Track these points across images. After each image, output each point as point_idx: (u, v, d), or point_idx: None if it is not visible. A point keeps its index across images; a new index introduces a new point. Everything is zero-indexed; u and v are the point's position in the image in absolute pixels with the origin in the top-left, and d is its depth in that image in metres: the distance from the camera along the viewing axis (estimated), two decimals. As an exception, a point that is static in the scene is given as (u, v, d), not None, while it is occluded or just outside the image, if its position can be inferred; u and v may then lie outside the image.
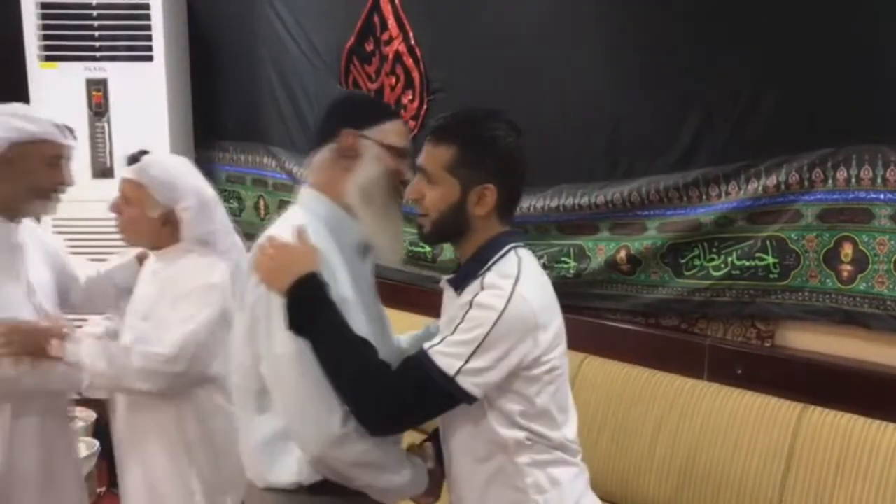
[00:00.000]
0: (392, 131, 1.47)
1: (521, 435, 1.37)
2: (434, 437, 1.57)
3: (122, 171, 1.90)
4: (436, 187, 1.38)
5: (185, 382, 1.84)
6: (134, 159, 1.90)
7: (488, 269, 1.37)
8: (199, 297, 1.82)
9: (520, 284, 1.33)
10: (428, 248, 2.94)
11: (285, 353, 1.35)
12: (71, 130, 1.91)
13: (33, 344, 1.78)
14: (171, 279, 1.87)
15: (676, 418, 2.17)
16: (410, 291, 3.03)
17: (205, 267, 1.85)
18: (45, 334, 1.79)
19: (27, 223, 1.99)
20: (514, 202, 1.46)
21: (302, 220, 1.43)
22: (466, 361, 1.29)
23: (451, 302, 1.44)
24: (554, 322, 1.40)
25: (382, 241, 1.47)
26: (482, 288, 1.33)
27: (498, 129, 1.39)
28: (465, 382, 1.30)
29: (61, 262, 2.10)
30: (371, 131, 1.45)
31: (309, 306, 1.33)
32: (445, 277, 1.48)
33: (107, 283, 2.13)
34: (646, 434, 2.21)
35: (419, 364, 1.32)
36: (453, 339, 1.31)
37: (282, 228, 1.42)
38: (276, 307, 1.35)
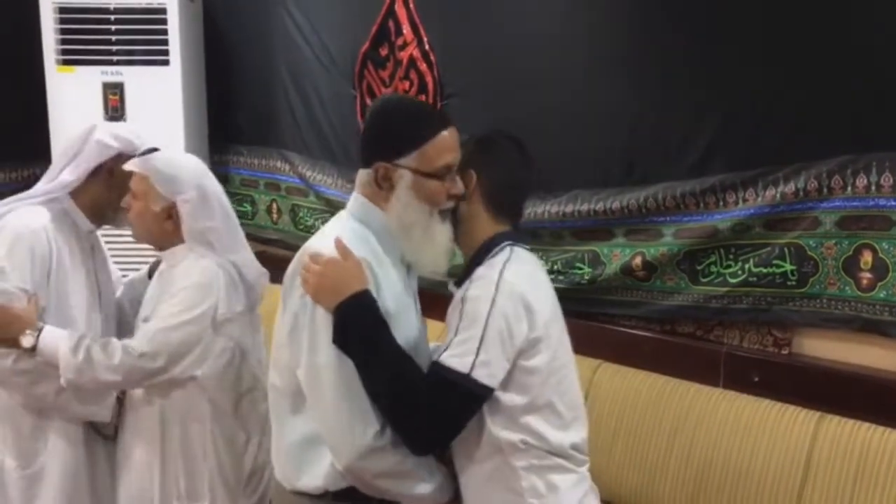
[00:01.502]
0: (432, 153, 1.40)
1: (515, 438, 1.38)
2: None
3: (129, 164, 1.90)
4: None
5: (166, 382, 1.83)
6: (143, 154, 1.92)
7: (481, 264, 1.42)
8: (186, 296, 1.82)
9: (506, 270, 1.37)
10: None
11: (326, 362, 1.35)
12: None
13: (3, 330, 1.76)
14: (170, 280, 1.88)
15: (692, 426, 2.16)
16: (423, 296, 3.02)
17: (199, 268, 1.85)
18: (16, 321, 1.76)
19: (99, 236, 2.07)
20: (503, 197, 1.48)
21: (351, 227, 1.45)
22: (477, 355, 1.32)
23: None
24: (546, 307, 1.43)
25: (422, 261, 1.47)
26: (470, 285, 1.37)
27: (495, 133, 1.47)
28: (481, 376, 1.32)
29: (116, 280, 2.17)
30: (406, 159, 1.40)
31: (357, 325, 1.35)
32: (452, 281, 1.51)
33: (122, 300, 2.15)
34: (661, 442, 2.20)
35: (435, 375, 1.34)
36: (457, 339, 1.34)
37: (329, 238, 1.42)
38: (321, 315, 1.36)
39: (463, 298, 1.35)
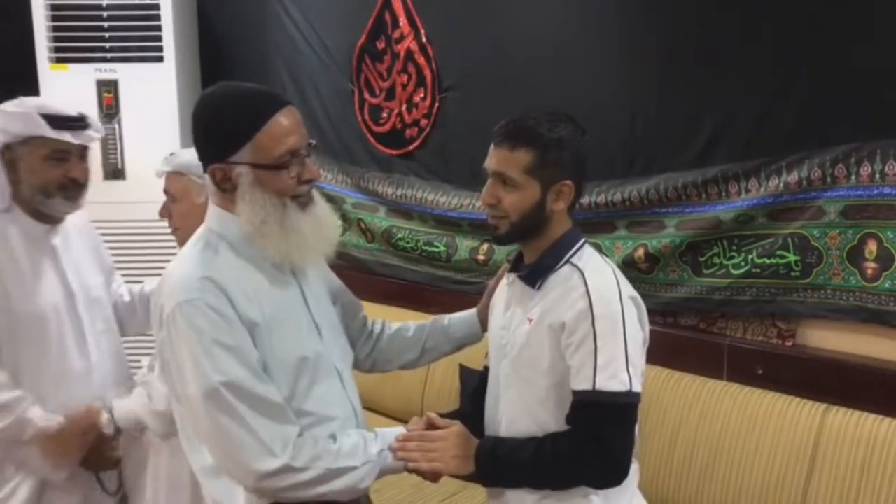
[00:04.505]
0: (267, 141, 1.29)
1: None
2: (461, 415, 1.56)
3: (159, 172, 1.89)
4: (515, 190, 1.39)
5: None
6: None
7: (567, 261, 1.40)
8: None
9: (619, 280, 1.37)
10: (442, 248, 2.92)
11: (197, 394, 1.25)
12: (79, 120, 1.80)
13: (88, 439, 1.78)
14: None
15: (696, 419, 2.14)
16: (425, 292, 3.01)
17: None
18: (88, 425, 1.78)
19: (81, 224, 1.96)
20: (580, 196, 1.48)
21: (202, 245, 1.35)
22: (628, 369, 1.31)
23: (524, 297, 1.44)
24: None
25: (291, 257, 1.35)
26: (590, 298, 1.33)
27: (566, 127, 1.41)
28: (636, 385, 1.33)
29: (108, 270, 2.06)
30: (241, 154, 1.29)
31: (497, 469, 1.39)
32: (515, 273, 1.47)
33: (137, 305, 2.08)
34: (665, 435, 2.18)
35: (602, 405, 1.32)
36: (602, 361, 1.31)
37: (188, 258, 1.34)
38: (183, 347, 1.26)
39: (592, 318, 1.32)
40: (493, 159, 1.41)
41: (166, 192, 1.89)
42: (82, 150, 1.84)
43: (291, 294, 1.40)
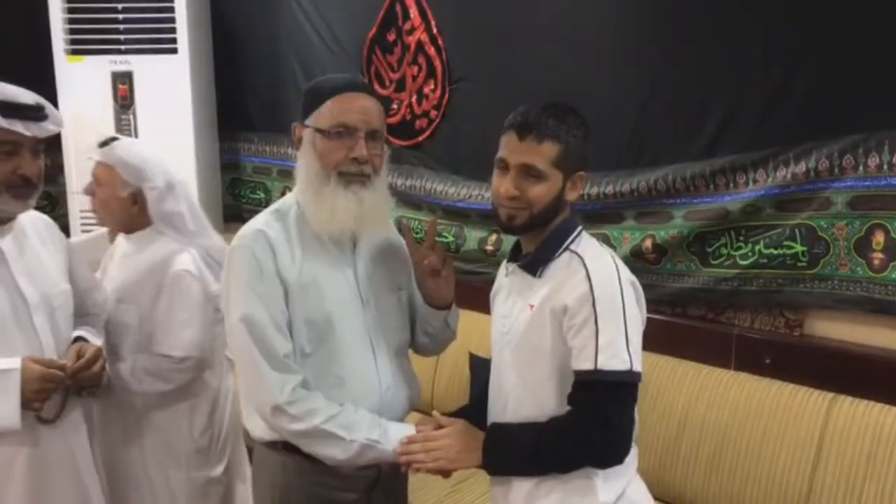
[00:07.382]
0: (326, 111, 1.47)
1: None
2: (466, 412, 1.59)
3: (93, 154, 1.93)
4: (541, 182, 1.40)
5: (196, 372, 1.96)
6: (104, 144, 1.92)
7: (566, 248, 1.43)
8: (184, 293, 1.88)
9: (617, 263, 1.40)
10: (451, 238, 2.94)
11: (233, 322, 1.44)
12: (35, 110, 1.59)
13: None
14: (145, 265, 1.91)
15: (703, 409, 2.16)
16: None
17: (176, 255, 1.90)
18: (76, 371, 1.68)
19: (43, 226, 1.77)
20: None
21: (278, 206, 1.54)
22: (628, 348, 1.34)
23: (524, 286, 1.47)
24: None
25: (314, 220, 1.49)
26: (591, 281, 1.35)
27: (579, 120, 1.44)
28: (636, 364, 1.35)
29: (72, 269, 1.85)
30: (310, 118, 1.50)
31: (503, 458, 1.42)
32: (516, 263, 1.50)
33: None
34: (672, 425, 2.20)
35: (604, 384, 1.34)
36: (604, 340, 1.33)
37: (260, 215, 1.53)
38: (231, 281, 1.45)
39: (594, 300, 1.34)
40: (516, 151, 1.41)
41: (93, 175, 1.93)
42: (36, 144, 1.62)
43: (342, 267, 1.53)
